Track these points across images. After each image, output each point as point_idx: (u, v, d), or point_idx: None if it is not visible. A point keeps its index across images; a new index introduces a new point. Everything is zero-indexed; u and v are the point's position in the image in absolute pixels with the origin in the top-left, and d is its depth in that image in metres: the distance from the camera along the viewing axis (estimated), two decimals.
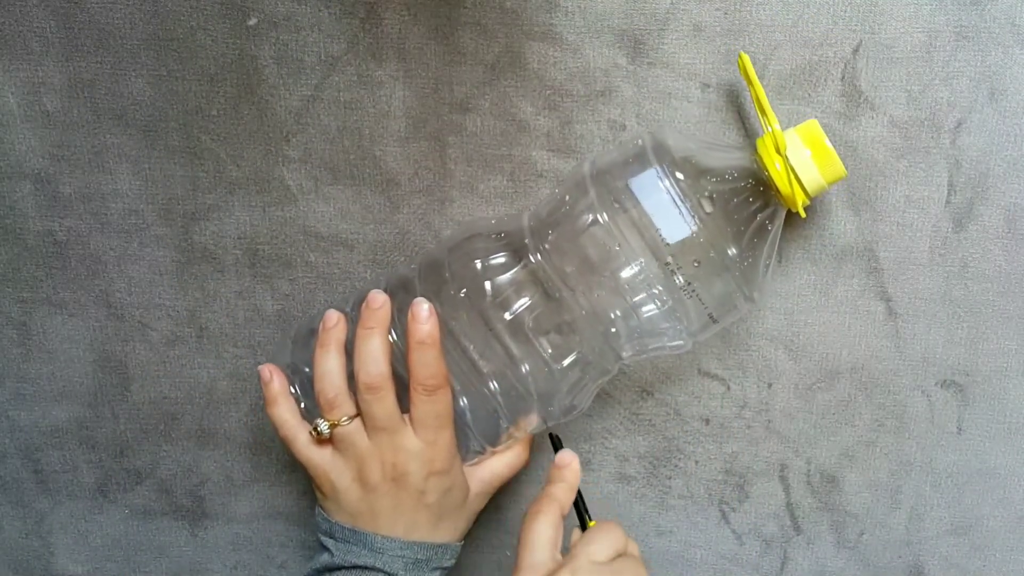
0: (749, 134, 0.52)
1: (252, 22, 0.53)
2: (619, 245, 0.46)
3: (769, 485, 0.58)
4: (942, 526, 0.58)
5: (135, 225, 0.56)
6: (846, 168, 0.49)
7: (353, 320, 0.50)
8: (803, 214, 0.48)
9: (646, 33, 0.52)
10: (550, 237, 0.48)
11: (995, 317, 0.55)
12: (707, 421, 0.57)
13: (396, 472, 0.49)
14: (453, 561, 0.52)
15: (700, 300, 0.47)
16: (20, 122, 0.54)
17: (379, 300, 0.48)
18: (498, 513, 0.60)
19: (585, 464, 0.58)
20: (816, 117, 0.52)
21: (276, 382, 0.51)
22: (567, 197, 0.48)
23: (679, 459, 0.58)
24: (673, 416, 0.57)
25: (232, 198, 0.55)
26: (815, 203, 0.53)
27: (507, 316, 0.48)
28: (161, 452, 0.60)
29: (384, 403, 0.48)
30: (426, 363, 0.47)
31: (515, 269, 0.48)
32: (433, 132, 0.54)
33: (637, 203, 0.46)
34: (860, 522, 0.58)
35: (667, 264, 0.46)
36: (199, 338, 0.58)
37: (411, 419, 0.49)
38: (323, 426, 0.49)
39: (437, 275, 0.49)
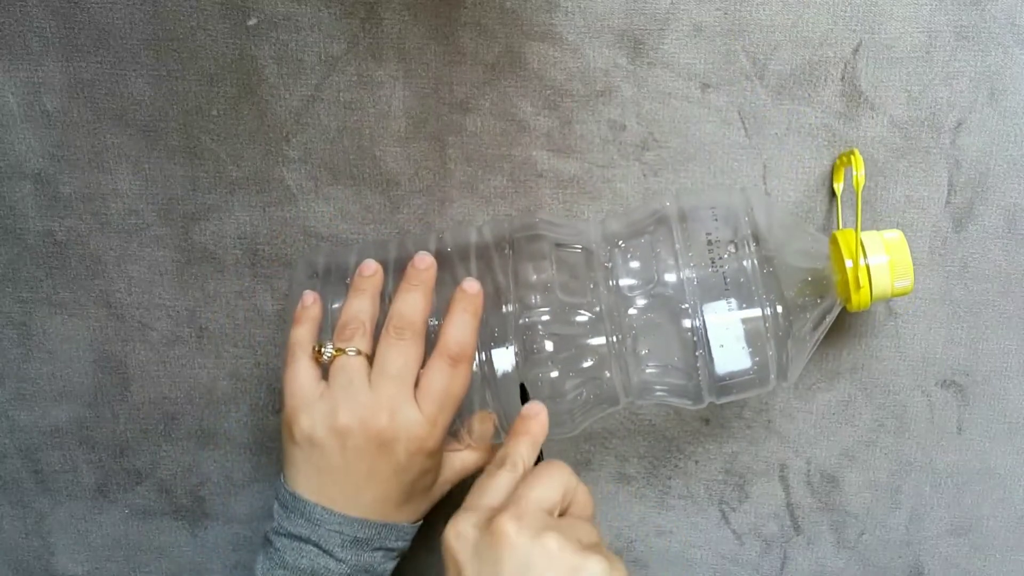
0: (749, 134, 0.52)
1: (252, 22, 0.53)
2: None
3: (769, 485, 0.58)
4: (942, 526, 0.58)
5: (135, 225, 0.56)
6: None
7: (392, 275, 0.48)
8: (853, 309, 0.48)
9: (646, 33, 0.52)
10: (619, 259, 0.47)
11: (995, 317, 0.54)
12: (707, 421, 0.57)
13: (383, 438, 0.44)
14: (403, 543, 0.48)
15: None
16: (20, 122, 0.54)
17: (427, 261, 0.47)
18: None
19: (585, 464, 0.58)
20: (816, 117, 0.52)
21: (315, 308, 0.48)
22: (647, 234, 0.48)
23: (679, 459, 0.58)
24: (673, 416, 0.57)
25: (232, 198, 0.55)
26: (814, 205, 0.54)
27: (544, 315, 0.47)
28: (161, 452, 0.60)
29: (405, 351, 0.45)
30: (460, 331, 0.45)
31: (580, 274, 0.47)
32: (433, 132, 0.54)
33: (703, 321, 0.46)
34: (860, 522, 0.58)
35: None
36: (199, 338, 0.58)
37: (419, 387, 0.45)
38: (328, 347, 0.45)
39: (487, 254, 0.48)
